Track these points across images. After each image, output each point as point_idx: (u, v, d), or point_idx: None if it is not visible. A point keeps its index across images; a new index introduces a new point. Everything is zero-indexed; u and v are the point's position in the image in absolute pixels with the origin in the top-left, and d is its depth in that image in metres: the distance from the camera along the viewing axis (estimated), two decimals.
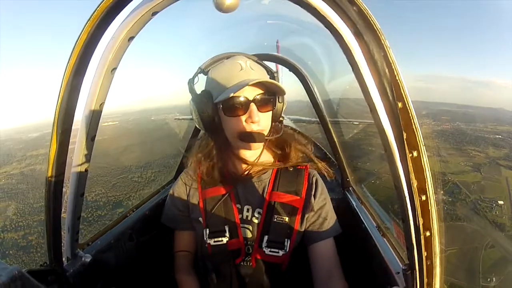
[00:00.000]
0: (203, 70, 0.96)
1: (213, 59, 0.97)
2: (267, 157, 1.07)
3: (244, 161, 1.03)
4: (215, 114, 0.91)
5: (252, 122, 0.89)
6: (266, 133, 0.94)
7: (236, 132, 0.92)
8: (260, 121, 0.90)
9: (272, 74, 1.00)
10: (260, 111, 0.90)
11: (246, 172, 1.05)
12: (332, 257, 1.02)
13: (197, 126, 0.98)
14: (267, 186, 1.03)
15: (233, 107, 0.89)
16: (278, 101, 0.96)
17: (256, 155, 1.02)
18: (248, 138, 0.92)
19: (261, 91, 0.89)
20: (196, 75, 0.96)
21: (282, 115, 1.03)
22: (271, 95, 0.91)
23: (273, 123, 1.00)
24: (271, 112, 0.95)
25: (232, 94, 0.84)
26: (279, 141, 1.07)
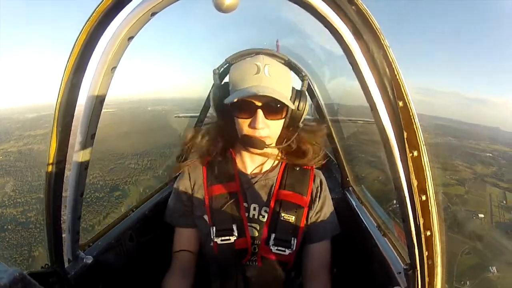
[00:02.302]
0: (229, 62, 0.97)
1: (240, 54, 0.97)
2: (275, 156, 1.06)
3: (253, 158, 1.03)
4: (228, 109, 0.92)
5: (255, 128, 0.88)
6: (271, 140, 0.93)
7: (240, 133, 0.93)
8: (265, 129, 0.88)
9: (302, 77, 0.97)
10: (268, 119, 0.88)
11: (253, 170, 1.05)
12: (323, 259, 1.02)
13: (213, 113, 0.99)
14: (274, 185, 1.03)
15: (239, 110, 0.89)
16: (298, 108, 0.93)
17: (265, 152, 1.00)
18: (247, 142, 0.92)
19: (272, 99, 0.85)
20: (222, 66, 0.98)
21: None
22: (283, 103, 0.87)
23: (289, 128, 0.98)
24: (282, 120, 0.92)
25: (235, 99, 0.83)
26: (296, 147, 1.04)
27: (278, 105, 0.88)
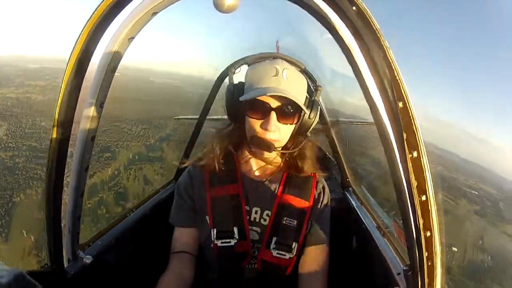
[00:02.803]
0: (247, 63, 0.99)
1: (259, 56, 0.99)
2: (278, 163, 1.06)
3: (257, 162, 1.03)
4: (241, 108, 0.92)
5: (266, 130, 0.88)
6: (280, 144, 0.93)
7: (250, 134, 0.93)
8: (276, 132, 0.89)
9: (316, 87, 0.98)
10: (280, 122, 0.89)
11: (257, 173, 1.05)
12: (321, 263, 1.01)
13: (224, 111, 1.00)
14: (277, 189, 1.03)
15: (253, 110, 0.89)
16: (309, 117, 0.94)
17: (270, 156, 1.01)
18: (257, 144, 0.92)
19: (287, 102, 0.87)
20: (239, 65, 1.00)
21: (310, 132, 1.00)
22: (297, 109, 0.89)
23: (297, 136, 0.98)
24: (293, 125, 0.93)
25: (252, 97, 0.85)
26: (297, 154, 1.04)
27: (292, 110, 0.89)
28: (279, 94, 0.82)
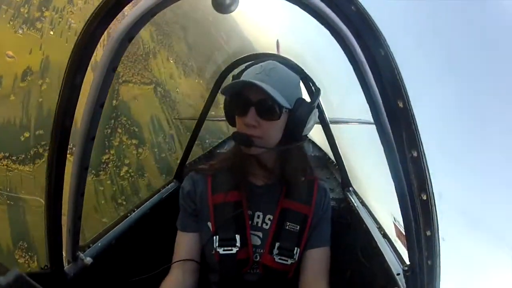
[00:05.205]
0: (246, 67, 1.00)
1: (258, 55, 1.04)
2: (278, 164, 1.03)
3: (258, 167, 1.01)
4: (229, 106, 0.93)
5: (246, 125, 0.86)
6: (264, 142, 0.88)
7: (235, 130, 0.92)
8: (257, 128, 0.86)
9: (315, 91, 0.97)
10: (260, 117, 0.86)
11: (258, 178, 1.03)
12: (322, 266, 1.01)
13: None
14: (279, 193, 1.02)
15: (235, 106, 0.89)
16: (299, 117, 0.88)
17: (268, 160, 0.99)
18: (238, 139, 0.90)
19: (268, 97, 0.83)
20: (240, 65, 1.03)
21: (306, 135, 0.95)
22: (279, 105, 0.84)
23: (291, 138, 0.92)
24: (275, 122, 0.88)
25: (224, 90, 0.87)
26: (292, 158, 1.00)
27: (272, 105, 0.85)
28: (249, 83, 0.80)
